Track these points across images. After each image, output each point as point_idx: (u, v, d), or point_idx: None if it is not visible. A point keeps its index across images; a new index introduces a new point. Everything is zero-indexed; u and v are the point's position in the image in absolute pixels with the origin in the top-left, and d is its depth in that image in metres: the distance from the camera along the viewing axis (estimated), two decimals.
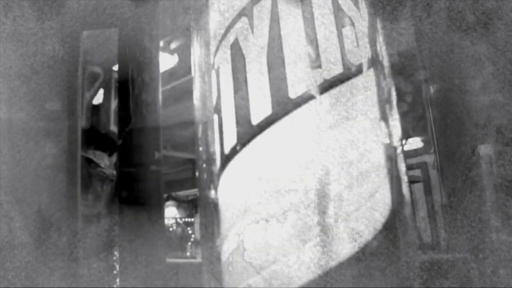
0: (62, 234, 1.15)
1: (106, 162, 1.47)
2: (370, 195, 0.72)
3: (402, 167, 0.78)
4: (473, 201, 1.10)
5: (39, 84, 1.20)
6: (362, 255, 0.69)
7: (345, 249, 0.68)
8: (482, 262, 1.05)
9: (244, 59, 0.74)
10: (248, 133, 0.72)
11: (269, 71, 0.73)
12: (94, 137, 1.56)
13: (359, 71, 0.76)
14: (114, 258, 1.23)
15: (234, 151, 0.73)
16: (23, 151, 1.13)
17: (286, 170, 0.70)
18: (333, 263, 0.67)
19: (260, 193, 0.70)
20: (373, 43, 0.79)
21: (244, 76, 0.74)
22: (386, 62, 0.81)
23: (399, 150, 0.78)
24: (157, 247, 1.23)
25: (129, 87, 1.40)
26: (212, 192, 0.79)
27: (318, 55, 0.74)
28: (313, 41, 0.74)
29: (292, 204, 0.68)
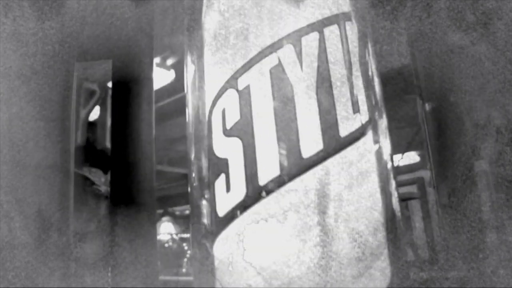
0: (62, 234, 1.15)
1: (101, 180, 1.46)
2: (370, 195, 0.72)
3: (393, 185, 0.77)
4: (473, 201, 1.10)
5: (39, 84, 1.20)
6: (362, 255, 0.69)
7: (345, 249, 0.68)
8: (482, 262, 1.05)
9: (292, 88, 0.71)
10: (297, 165, 0.69)
11: (319, 106, 0.71)
12: (89, 154, 1.54)
13: (375, 118, 0.77)
14: (108, 274, 1.22)
15: (278, 183, 0.69)
16: (23, 151, 1.13)
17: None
18: (333, 263, 0.67)
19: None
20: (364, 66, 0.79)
21: (291, 105, 0.71)
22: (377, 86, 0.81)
23: (389, 166, 0.78)
24: (151, 264, 1.23)
25: (123, 102, 1.39)
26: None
27: (357, 99, 0.74)
28: (352, 84, 0.74)
29: (292, 204, 0.68)
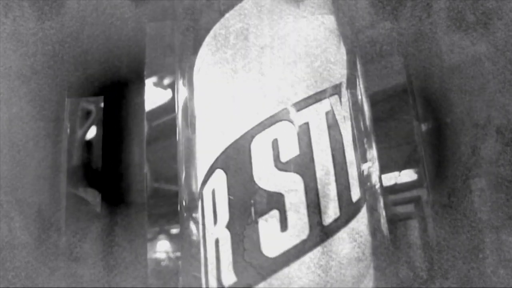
0: (62, 234, 1.15)
1: (97, 200, 1.44)
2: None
3: (381, 205, 0.77)
4: (473, 201, 1.10)
5: (39, 84, 1.20)
6: (362, 255, 0.69)
7: (345, 249, 0.68)
8: (482, 262, 1.05)
9: (341, 135, 0.73)
10: (350, 209, 0.71)
11: (355, 157, 0.73)
12: (85, 174, 1.52)
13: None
14: (108, 274, 1.22)
15: (339, 225, 0.69)
16: (23, 151, 1.13)
17: (286, 170, 0.70)
18: (333, 263, 0.67)
19: (260, 193, 0.70)
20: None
21: (342, 152, 0.73)
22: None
23: (377, 186, 0.77)
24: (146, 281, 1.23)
25: (115, 120, 1.37)
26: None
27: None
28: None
29: (292, 204, 0.68)
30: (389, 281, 0.70)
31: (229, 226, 0.70)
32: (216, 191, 0.72)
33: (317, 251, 0.67)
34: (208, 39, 0.80)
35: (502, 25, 1.11)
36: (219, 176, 0.72)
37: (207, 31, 0.81)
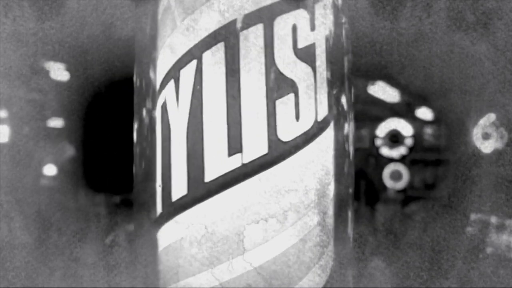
0: (62, 234, 1.15)
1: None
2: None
3: None
4: (473, 201, 1.10)
5: (39, 84, 1.20)
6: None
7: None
8: (482, 262, 1.05)
9: None
10: None
11: None
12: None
13: None
14: (108, 274, 1.21)
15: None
16: (23, 151, 1.13)
17: (286, 170, 0.70)
18: (333, 263, 0.67)
19: (260, 193, 0.70)
20: None
21: None
22: None
23: None
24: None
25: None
26: None
27: None
28: None
29: (292, 204, 0.68)
30: (389, 281, 0.70)
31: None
32: None
33: (317, 251, 0.67)
34: (207, 39, 0.80)
35: (502, 25, 1.11)
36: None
37: (207, 31, 0.80)
